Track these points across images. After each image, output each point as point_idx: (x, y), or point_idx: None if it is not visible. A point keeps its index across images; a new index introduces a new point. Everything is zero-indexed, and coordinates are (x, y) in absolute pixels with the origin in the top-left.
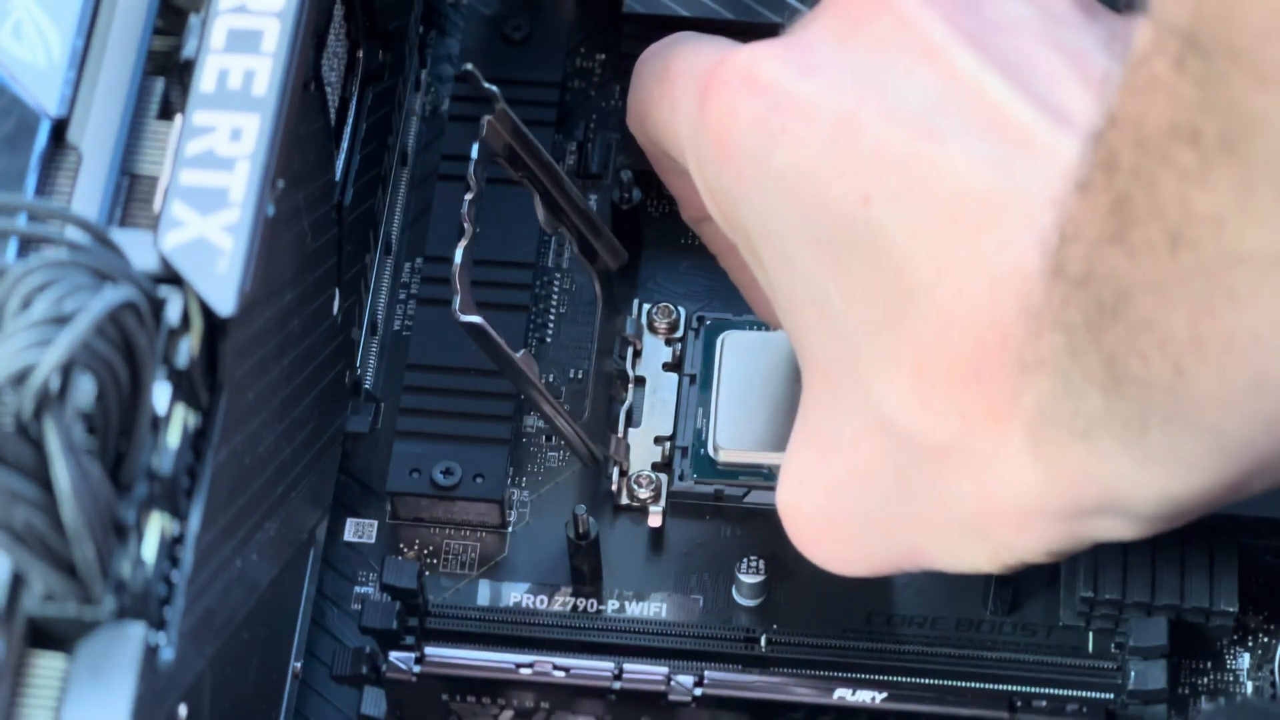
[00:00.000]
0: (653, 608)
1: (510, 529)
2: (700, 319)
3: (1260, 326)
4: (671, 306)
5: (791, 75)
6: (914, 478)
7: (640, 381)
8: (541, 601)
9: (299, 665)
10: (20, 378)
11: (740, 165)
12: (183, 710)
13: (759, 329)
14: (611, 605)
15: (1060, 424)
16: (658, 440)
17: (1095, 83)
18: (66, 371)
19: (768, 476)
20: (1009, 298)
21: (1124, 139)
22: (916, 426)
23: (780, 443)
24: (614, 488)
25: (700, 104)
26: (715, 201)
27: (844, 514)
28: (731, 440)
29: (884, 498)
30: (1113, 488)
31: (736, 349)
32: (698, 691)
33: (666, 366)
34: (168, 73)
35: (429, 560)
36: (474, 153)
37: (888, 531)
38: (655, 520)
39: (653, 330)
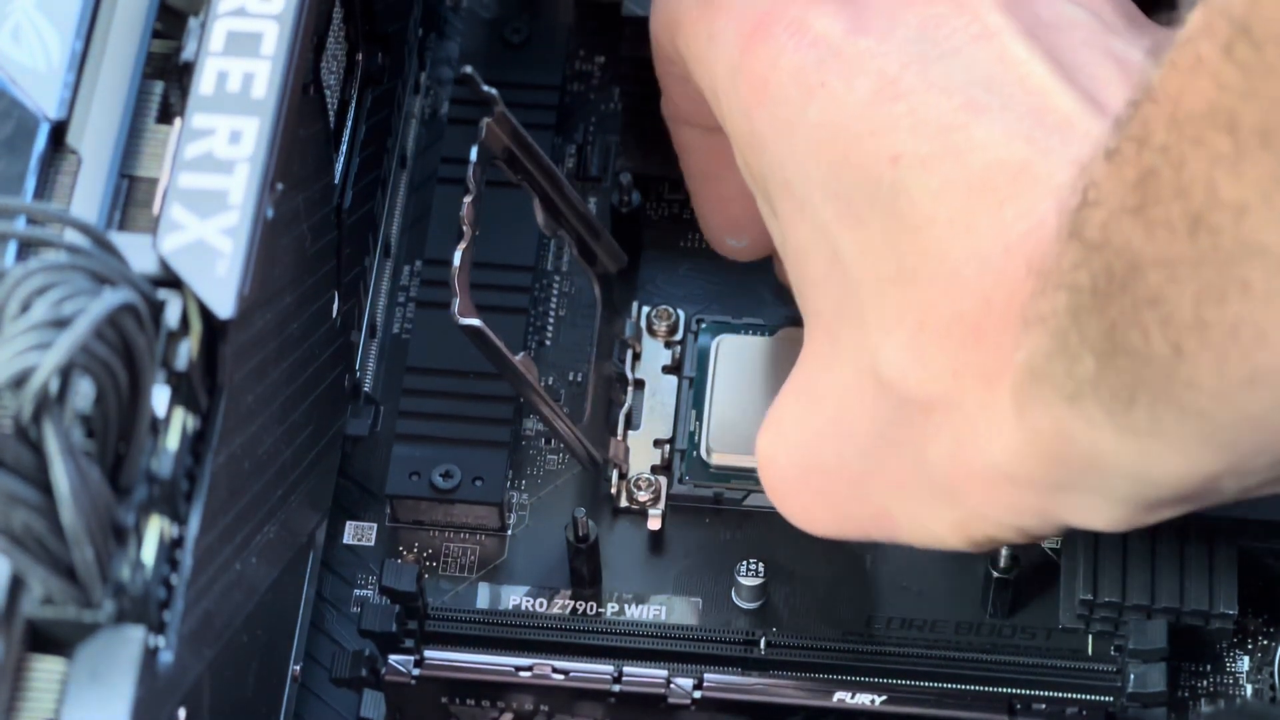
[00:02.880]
0: (652, 610)
1: (510, 532)
2: (699, 322)
3: (1267, 322)
4: (671, 309)
5: (840, 33)
6: (895, 433)
7: (640, 384)
8: (541, 604)
9: (298, 668)
10: (19, 380)
11: (774, 114)
12: (182, 713)
13: (755, 333)
14: (611, 608)
15: (1049, 383)
16: (657, 443)
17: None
18: (65, 374)
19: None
20: (1021, 260)
21: (1159, 115)
22: (908, 380)
23: None
24: (613, 490)
25: (743, 48)
26: (739, 145)
27: (818, 466)
28: (724, 444)
29: (861, 452)
30: (1090, 458)
31: (731, 352)
32: (697, 694)
33: (666, 369)
34: (167, 75)
35: (428, 563)
36: (473, 155)
37: (859, 489)
38: (655, 523)
39: (652, 333)
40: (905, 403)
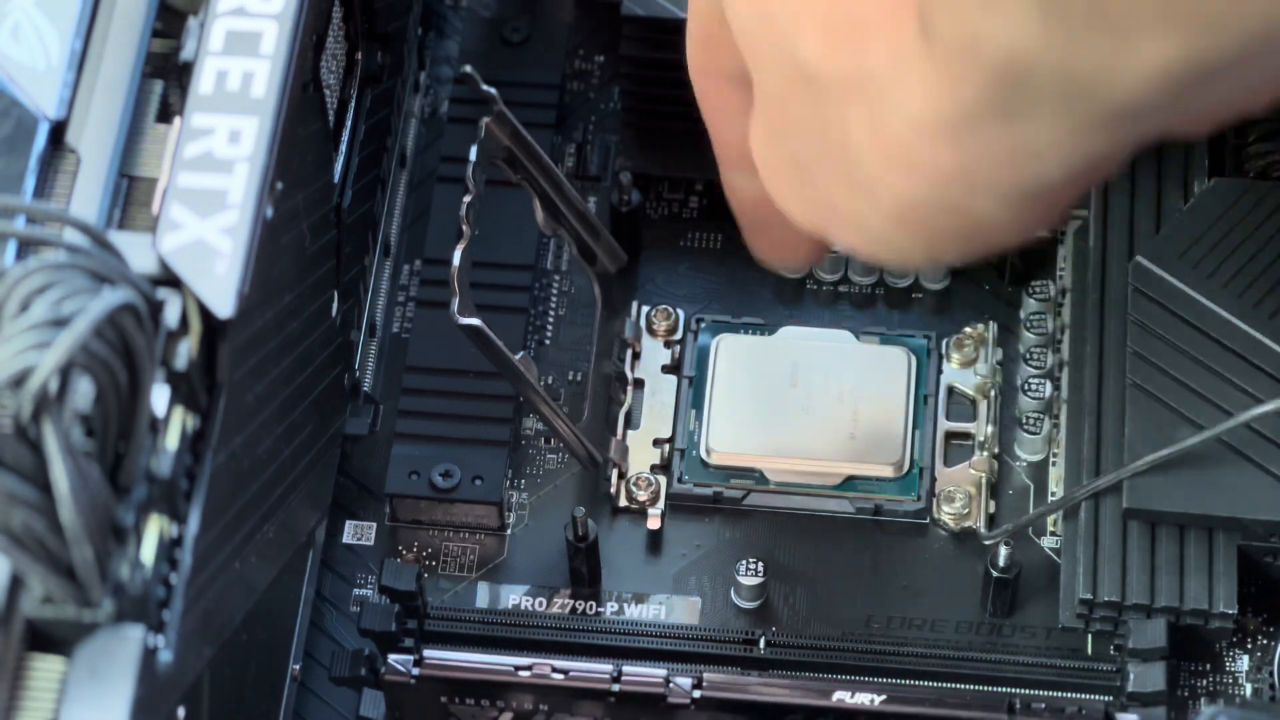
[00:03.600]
0: (651, 610)
1: (509, 531)
2: (699, 321)
3: None
4: (670, 309)
5: None
6: (826, 118)
7: (639, 384)
8: (540, 604)
9: (297, 667)
10: (19, 380)
11: None
12: (181, 712)
13: (755, 333)
14: (610, 607)
15: None
16: (656, 442)
17: None
18: (65, 374)
19: (760, 479)
20: None
21: None
22: (822, 61)
23: (772, 446)
24: (613, 490)
25: None
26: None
27: (781, 159)
28: (723, 442)
29: (804, 141)
30: (1015, 67)
31: (731, 351)
32: (696, 693)
33: (665, 369)
34: (166, 75)
35: (428, 562)
36: (473, 155)
37: (810, 178)
38: (654, 522)
39: (651, 332)
40: (827, 85)
